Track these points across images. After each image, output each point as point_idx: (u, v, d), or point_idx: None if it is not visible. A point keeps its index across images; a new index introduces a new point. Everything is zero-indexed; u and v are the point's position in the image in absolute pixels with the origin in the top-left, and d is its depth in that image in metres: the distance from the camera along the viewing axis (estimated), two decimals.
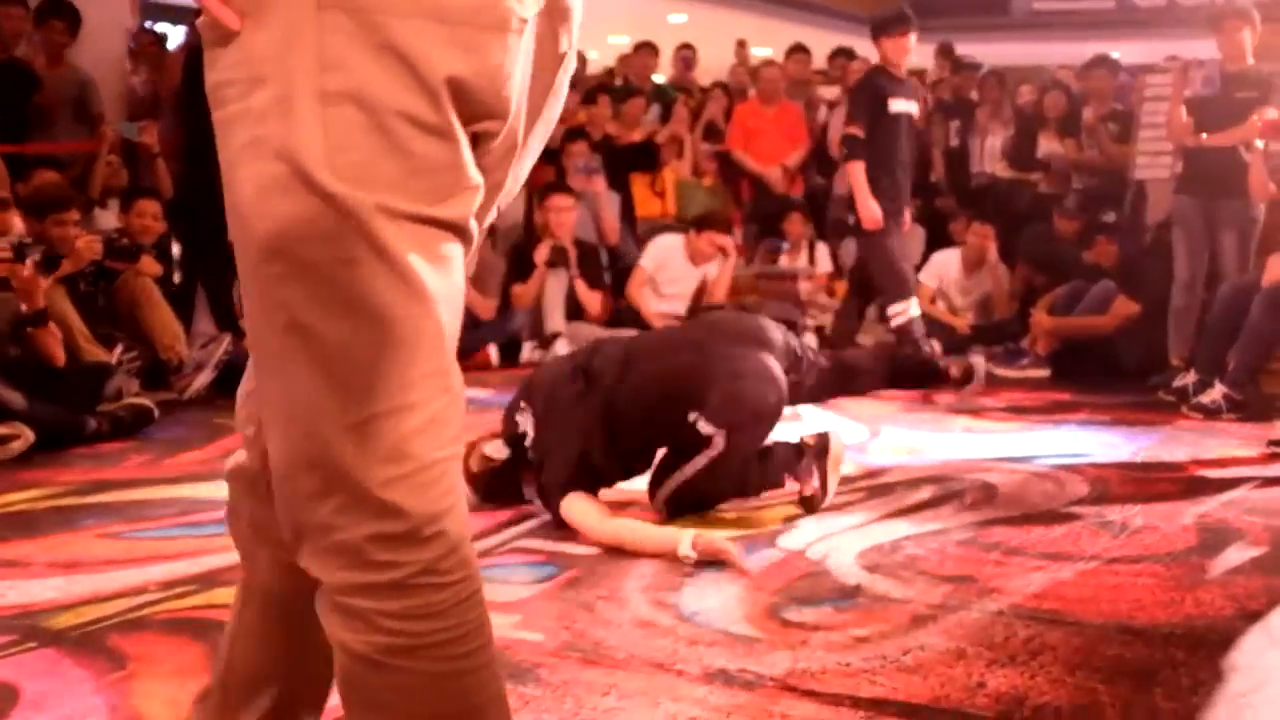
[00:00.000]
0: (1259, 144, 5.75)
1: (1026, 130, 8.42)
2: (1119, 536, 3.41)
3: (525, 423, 3.50)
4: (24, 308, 4.57)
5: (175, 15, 9.78)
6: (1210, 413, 5.34)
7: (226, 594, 2.66)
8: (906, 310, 6.38)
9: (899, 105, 6.27)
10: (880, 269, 6.43)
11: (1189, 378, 5.70)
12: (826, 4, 15.16)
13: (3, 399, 4.25)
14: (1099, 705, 2.26)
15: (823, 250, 8.13)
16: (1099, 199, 7.82)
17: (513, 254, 7.16)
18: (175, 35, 8.94)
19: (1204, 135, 5.99)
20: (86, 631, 2.60)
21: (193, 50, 6.79)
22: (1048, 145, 8.24)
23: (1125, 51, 9.50)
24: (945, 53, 10.33)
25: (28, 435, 4.19)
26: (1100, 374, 6.44)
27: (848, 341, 6.80)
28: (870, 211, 6.17)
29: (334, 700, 1.95)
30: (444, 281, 1.21)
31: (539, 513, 3.50)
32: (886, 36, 6.26)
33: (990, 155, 8.75)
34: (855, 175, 6.21)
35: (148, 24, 8.42)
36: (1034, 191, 8.30)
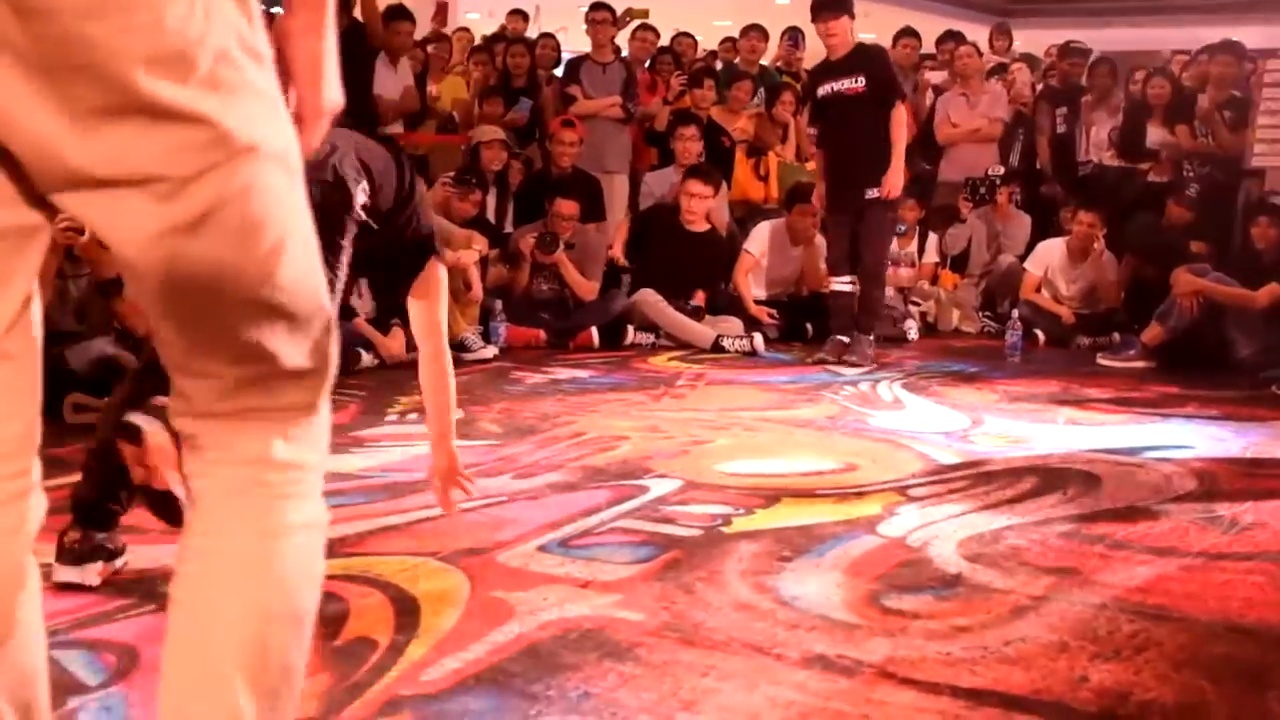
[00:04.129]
0: None
1: (1135, 118, 8.25)
2: (1228, 532, 3.35)
3: None
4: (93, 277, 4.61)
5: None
6: None
7: (341, 564, 2.73)
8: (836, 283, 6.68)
9: (823, 90, 6.50)
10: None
11: None
12: None
13: (118, 359, 4.38)
14: (1206, 705, 2.23)
15: (931, 239, 8.06)
16: (1215, 188, 7.64)
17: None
18: None
19: None
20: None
21: None
22: (1156, 133, 8.07)
23: (1244, 35, 9.24)
24: (1002, 32, 10.18)
25: None
26: (1209, 367, 6.32)
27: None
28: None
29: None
30: None
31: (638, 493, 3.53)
32: (816, 20, 6.46)
33: (1098, 143, 8.59)
34: (817, 163, 6.88)
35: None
36: (1143, 180, 8.14)
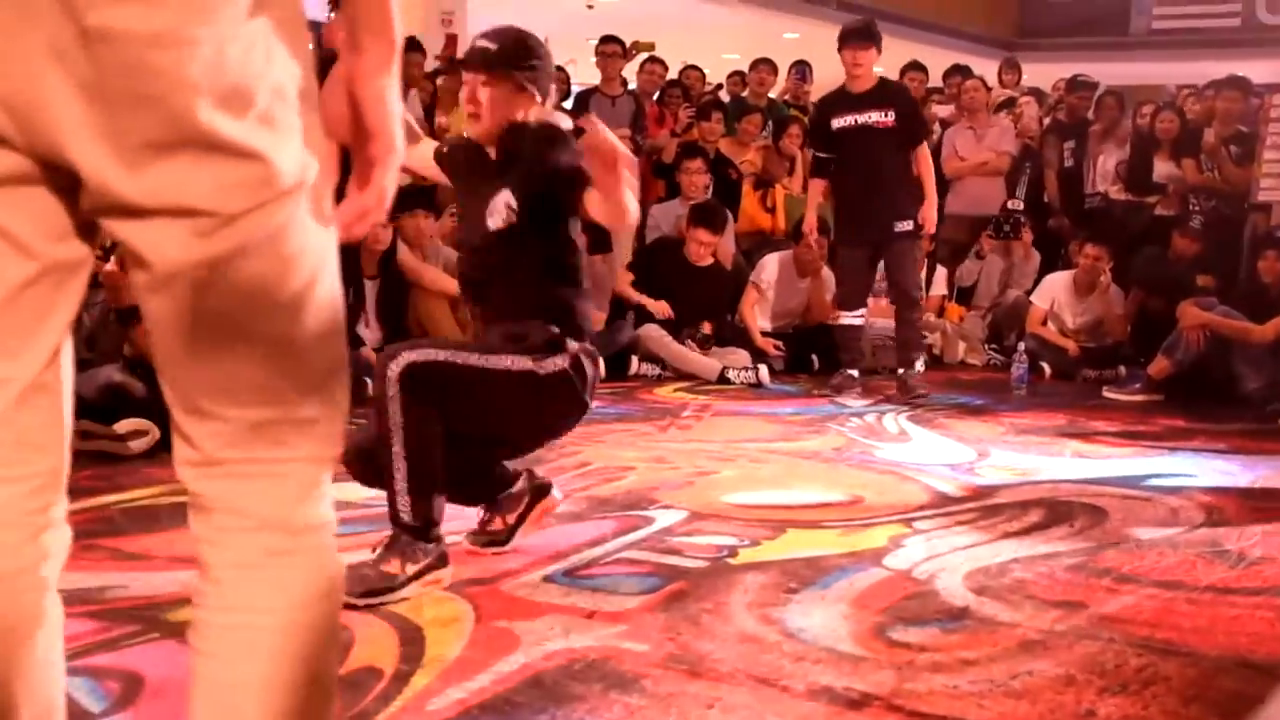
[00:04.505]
0: None
1: (1143, 151, 8.27)
2: (1236, 567, 3.34)
3: None
4: (112, 304, 4.64)
5: None
6: None
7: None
8: (847, 316, 6.59)
9: (840, 122, 6.35)
10: (837, 276, 6.84)
11: None
12: (941, 22, 15.02)
13: (127, 386, 4.40)
14: None
15: (940, 272, 8.07)
16: (1221, 222, 7.65)
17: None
18: None
19: None
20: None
21: (319, 64, 6.94)
22: (1163, 167, 8.09)
23: (1250, 70, 9.27)
24: (1011, 66, 10.22)
25: (154, 432, 4.33)
26: (1215, 400, 6.31)
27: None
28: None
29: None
30: None
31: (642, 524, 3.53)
32: (841, 49, 6.35)
33: (1105, 176, 8.61)
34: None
35: None
36: (1149, 213, 8.15)
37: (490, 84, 3.04)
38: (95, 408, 4.30)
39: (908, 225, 6.30)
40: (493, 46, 3.05)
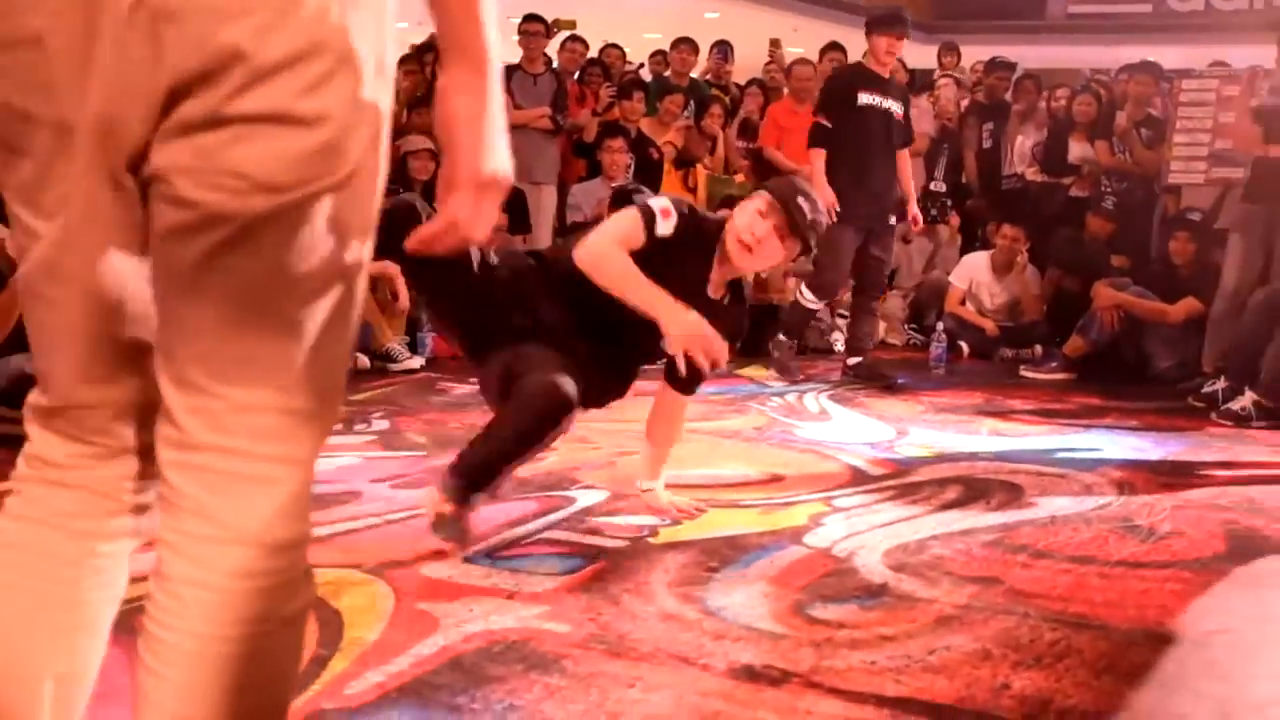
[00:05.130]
0: None
1: (1058, 134, 8.39)
2: (1146, 541, 3.40)
3: None
4: None
5: None
6: (1240, 420, 5.32)
7: None
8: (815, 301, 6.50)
9: (869, 99, 6.26)
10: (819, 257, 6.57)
11: (1219, 384, 5.68)
12: (861, 3, 15.11)
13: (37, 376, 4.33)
14: (1126, 709, 2.26)
15: None
16: (1133, 203, 7.78)
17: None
18: None
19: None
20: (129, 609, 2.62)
21: None
22: (1078, 149, 8.21)
23: (1160, 55, 9.44)
24: (949, 49, 10.31)
25: None
26: (1128, 379, 6.44)
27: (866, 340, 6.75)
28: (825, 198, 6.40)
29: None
30: None
31: (563, 503, 3.52)
32: (876, 34, 6.31)
33: (1022, 158, 8.72)
34: (814, 162, 6.30)
35: None
36: (1065, 195, 8.27)
37: None
38: (6, 394, 4.23)
39: (893, 220, 6.42)
40: None
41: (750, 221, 3.18)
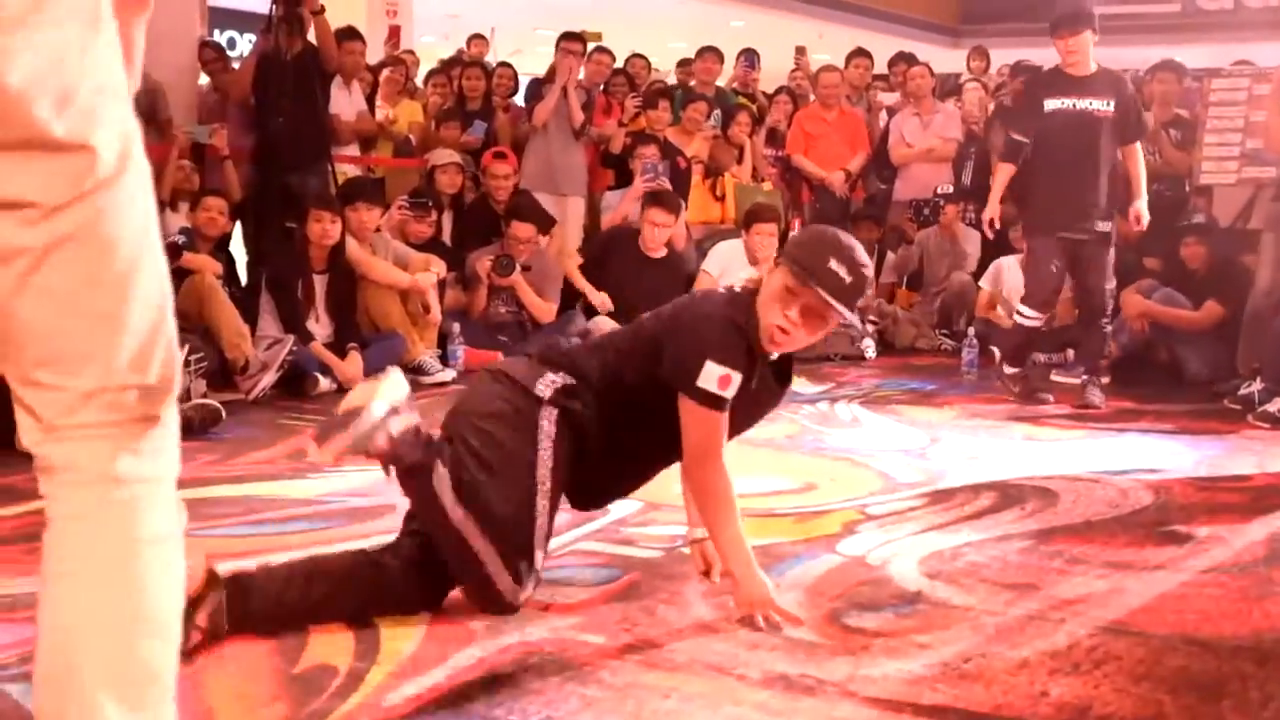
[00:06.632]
0: None
1: None
2: (1184, 546, 3.38)
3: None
4: None
5: (242, 23, 9.89)
6: (1277, 421, 5.28)
7: None
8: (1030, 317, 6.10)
9: (1055, 103, 5.92)
10: (1026, 272, 6.47)
11: (1255, 385, 5.64)
12: (887, 9, 15.10)
13: None
14: (1164, 716, 2.24)
15: (889, 258, 8.11)
16: (1164, 205, 7.73)
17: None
18: (242, 43, 9.08)
19: None
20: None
21: (263, 56, 6.90)
22: None
23: (1189, 55, 9.38)
24: (979, 54, 10.28)
25: None
26: (1162, 382, 6.40)
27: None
28: (988, 211, 6.32)
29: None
30: None
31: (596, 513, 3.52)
32: (1052, 37, 6.00)
33: None
34: (997, 176, 6.26)
35: (215, 32, 8.59)
36: None
37: None
38: None
39: (1108, 225, 5.90)
40: None
41: (778, 316, 2.69)
